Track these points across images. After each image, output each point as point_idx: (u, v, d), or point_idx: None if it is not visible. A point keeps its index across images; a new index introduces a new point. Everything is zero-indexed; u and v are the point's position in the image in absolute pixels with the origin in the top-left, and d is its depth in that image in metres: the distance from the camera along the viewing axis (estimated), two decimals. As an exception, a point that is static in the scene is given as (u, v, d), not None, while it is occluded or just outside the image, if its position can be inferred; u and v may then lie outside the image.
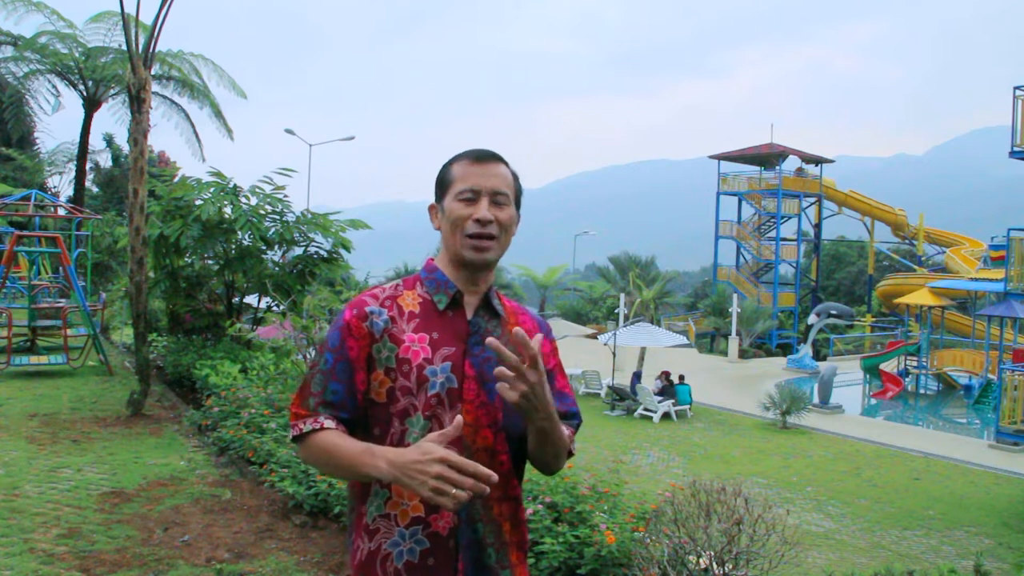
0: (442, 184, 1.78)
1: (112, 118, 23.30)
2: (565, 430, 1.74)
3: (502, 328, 1.77)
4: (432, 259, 1.82)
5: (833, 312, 24.27)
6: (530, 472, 5.18)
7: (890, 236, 37.67)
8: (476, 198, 1.72)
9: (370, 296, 1.74)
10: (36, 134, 27.67)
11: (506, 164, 1.78)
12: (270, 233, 11.25)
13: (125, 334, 15.54)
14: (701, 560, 3.67)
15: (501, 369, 1.52)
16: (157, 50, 10.10)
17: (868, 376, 22.14)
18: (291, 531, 5.21)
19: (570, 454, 1.81)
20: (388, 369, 1.67)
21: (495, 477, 1.46)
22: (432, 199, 1.82)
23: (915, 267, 35.11)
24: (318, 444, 1.64)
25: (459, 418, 1.51)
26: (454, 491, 1.43)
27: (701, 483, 3.98)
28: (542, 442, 1.68)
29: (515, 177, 1.80)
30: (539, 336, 1.62)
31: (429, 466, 1.44)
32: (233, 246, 11.58)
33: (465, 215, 1.71)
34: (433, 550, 1.63)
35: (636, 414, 15.71)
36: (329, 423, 1.65)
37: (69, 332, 12.37)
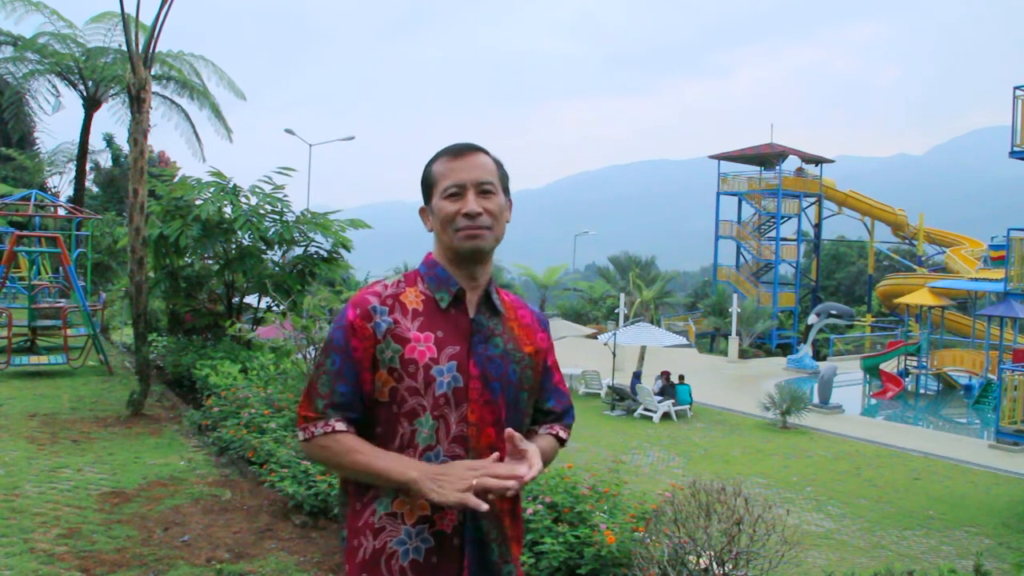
0: (427, 184, 1.76)
1: (112, 118, 23.29)
2: (561, 431, 1.90)
3: (503, 325, 1.77)
4: (431, 253, 1.79)
5: (833, 312, 24.27)
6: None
7: (890, 236, 37.67)
8: (462, 192, 1.70)
9: (372, 294, 1.71)
10: (36, 134, 27.66)
11: (486, 153, 1.76)
12: (270, 233, 11.23)
13: (125, 334, 15.54)
14: (701, 560, 3.67)
15: (503, 484, 1.57)
16: (157, 51, 10.10)
17: (868, 376, 22.14)
18: (291, 531, 5.20)
19: (562, 443, 1.91)
20: (391, 369, 1.66)
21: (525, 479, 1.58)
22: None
23: (915, 267, 35.09)
24: (335, 446, 1.66)
25: (495, 454, 1.62)
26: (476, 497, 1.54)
27: (701, 483, 3.97)
28: None
29: (498, 164, 1.77)
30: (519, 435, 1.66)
31: (457, 470, 1.58)
32: (233, 246, 11.58)
33: (454, 211, 1.70)
34: (438, 548, 1.64)
35: (636, 414, 15.70)
36: (340, 425, 1.66)
37: (69, 332, 12.37)
